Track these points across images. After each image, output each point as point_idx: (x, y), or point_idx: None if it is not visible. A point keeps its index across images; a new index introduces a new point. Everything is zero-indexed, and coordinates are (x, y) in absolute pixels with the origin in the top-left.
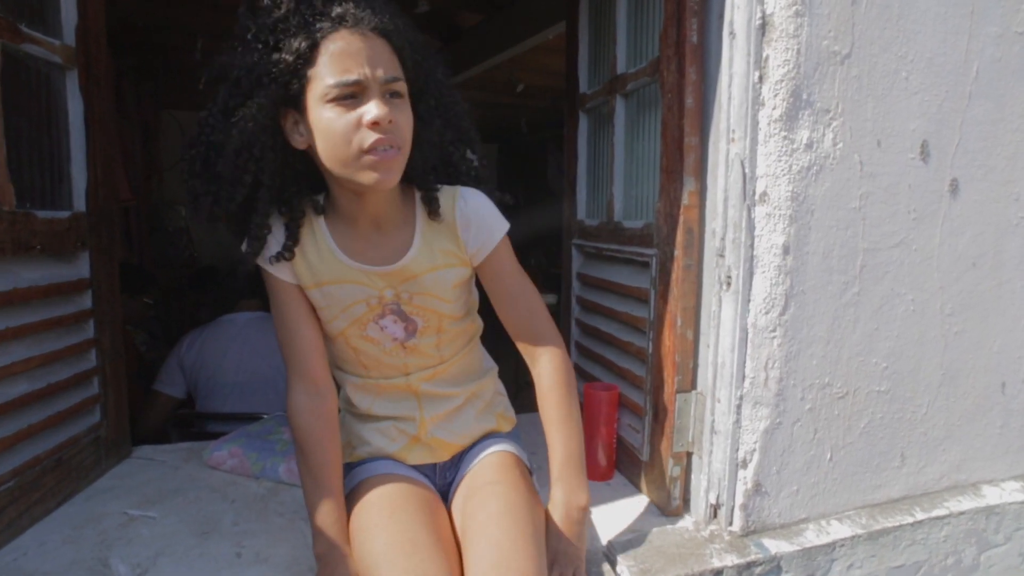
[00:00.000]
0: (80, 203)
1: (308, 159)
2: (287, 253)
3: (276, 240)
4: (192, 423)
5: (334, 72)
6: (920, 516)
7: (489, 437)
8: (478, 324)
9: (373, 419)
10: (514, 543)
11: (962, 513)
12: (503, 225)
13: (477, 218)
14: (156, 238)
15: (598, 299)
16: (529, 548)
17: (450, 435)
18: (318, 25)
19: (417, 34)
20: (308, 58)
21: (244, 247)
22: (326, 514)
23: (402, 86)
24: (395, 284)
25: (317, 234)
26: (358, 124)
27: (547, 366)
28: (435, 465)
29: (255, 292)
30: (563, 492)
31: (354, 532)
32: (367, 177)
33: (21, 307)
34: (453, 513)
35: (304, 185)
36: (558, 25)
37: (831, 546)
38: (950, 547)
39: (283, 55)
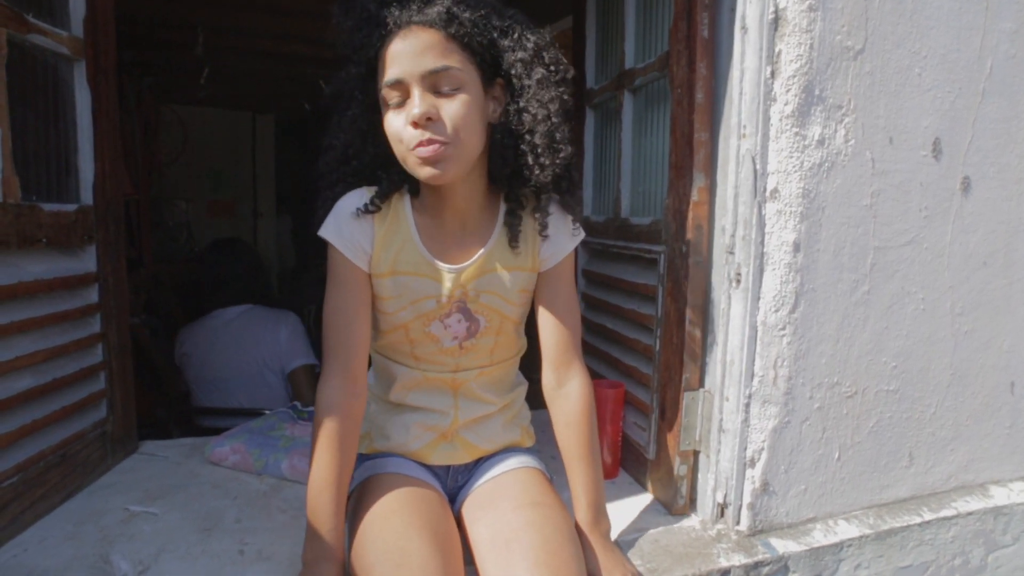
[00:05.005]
0: (87, 196)
1: None
2: (371, 206)
3: (357, 200)
4: (191, 418)
5: (382, 76)
6: (928, 516)
7: (511, 450)
8: (524, 340)
9: (402, 410)
10: (561, 547)
11: (970, 514)
12: (575, 239)
13: (555, 228)
14: (156, 233)
15: (604, 296)
16: (571, 549)
17: (477, 438)
18: (375, 35)
19: (493, 15)
20: (374, 68)
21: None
22: (324, 520)
23: (456, 76)
24: (465, 282)
25: (404, 224)
26: (406, 123)
27: (577, 391)
28: (449, 467)
29: (245, 298)
30: (594, 515)
31: (353, 538)
32: (422, 173)
33: (26, 301)
34: (464, 519)
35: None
36: (564, 20)
37: (839, 546)
38: (958, 548)
39: (359, 68)
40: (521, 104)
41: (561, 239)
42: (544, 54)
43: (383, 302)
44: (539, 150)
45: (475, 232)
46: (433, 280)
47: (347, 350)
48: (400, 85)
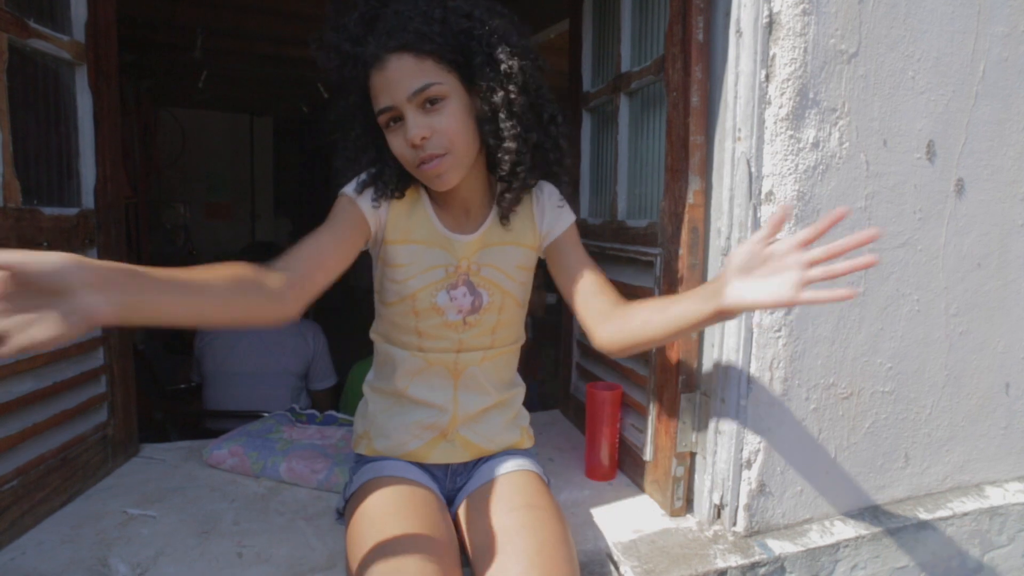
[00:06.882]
0: (89, 200)
1: None
2: (398, 193)
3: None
4: (197, 420)
5: (375, 105)
6: (924, 517)
7: (510, 452)
8: (523, 332)
9: (403, 406)
10: (555, 549)
11: (966, 514)
12: (571, 215)
13: (551, 205)
14: (154, 236)
15: None
16: (565, 552)
17: (477, 436)
18: (358, 71)
19: (469, 25)
20: (367, 93)
21: (347, 159)
22: (146, 271)
23: (437, 89)
24: (470, 254)
25: (420, 197)
26: (407, 144)
27: (634, 303)
28: (448, 467)
29: None
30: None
31: (350, 541)
32: (430, 184)
33: None
34: (461, 521)
35: None
36: (561, 23)
37: (835, 547)
38: (954, 548)
39: (355, 97)
40: (509, 90)
41: (558, 215)
42: (516, 71)
43: (394, 270)
44: (506, 143)
45: (477, 214)
46: (443, 250)
47: (297, 251)
48: (392, 110)
